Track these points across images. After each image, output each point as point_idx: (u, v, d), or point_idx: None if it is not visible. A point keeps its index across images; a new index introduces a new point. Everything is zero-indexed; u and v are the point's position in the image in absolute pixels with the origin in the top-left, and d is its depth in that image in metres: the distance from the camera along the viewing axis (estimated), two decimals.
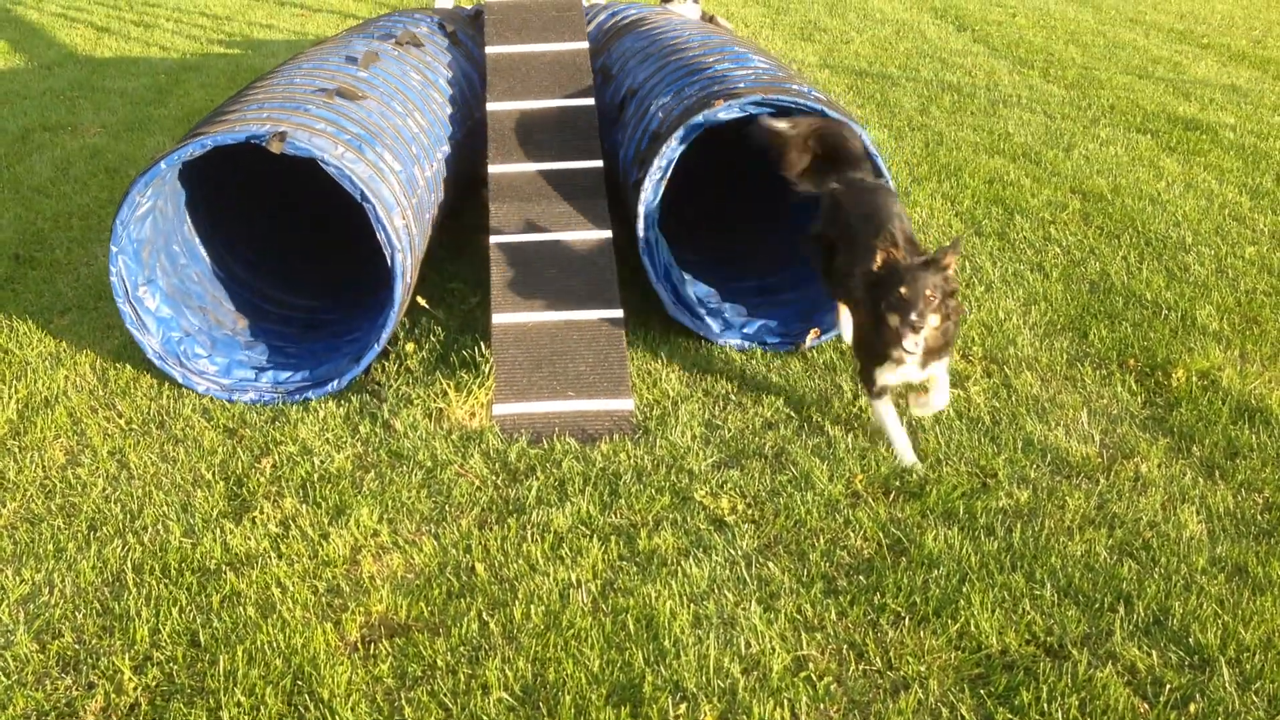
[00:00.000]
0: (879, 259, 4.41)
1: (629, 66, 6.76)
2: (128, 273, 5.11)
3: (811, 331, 5.61)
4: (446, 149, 6.15)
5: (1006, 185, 7.80)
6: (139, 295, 5.16)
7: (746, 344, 5.62)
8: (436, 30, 7.05)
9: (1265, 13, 14.47)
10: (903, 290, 4.30)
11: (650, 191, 5.50)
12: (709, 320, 5.67)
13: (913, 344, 4.33)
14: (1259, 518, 4.34)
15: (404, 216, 5.19)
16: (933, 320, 4.34)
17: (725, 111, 5.42)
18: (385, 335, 5.14)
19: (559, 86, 6.41)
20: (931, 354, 4.48)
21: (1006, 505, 4.39)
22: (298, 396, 5.18)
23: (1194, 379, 5.27)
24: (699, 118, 5.42)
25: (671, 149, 5.47)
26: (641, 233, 5.53)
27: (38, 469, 4.71)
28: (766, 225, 6.81)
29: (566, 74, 6.49)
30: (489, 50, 6.59)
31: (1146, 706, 3.45)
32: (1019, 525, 4.26)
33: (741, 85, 5.62)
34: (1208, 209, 7.41)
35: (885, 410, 4.71)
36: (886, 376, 4.61)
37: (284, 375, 5.29)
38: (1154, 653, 3.65)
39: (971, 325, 5.77)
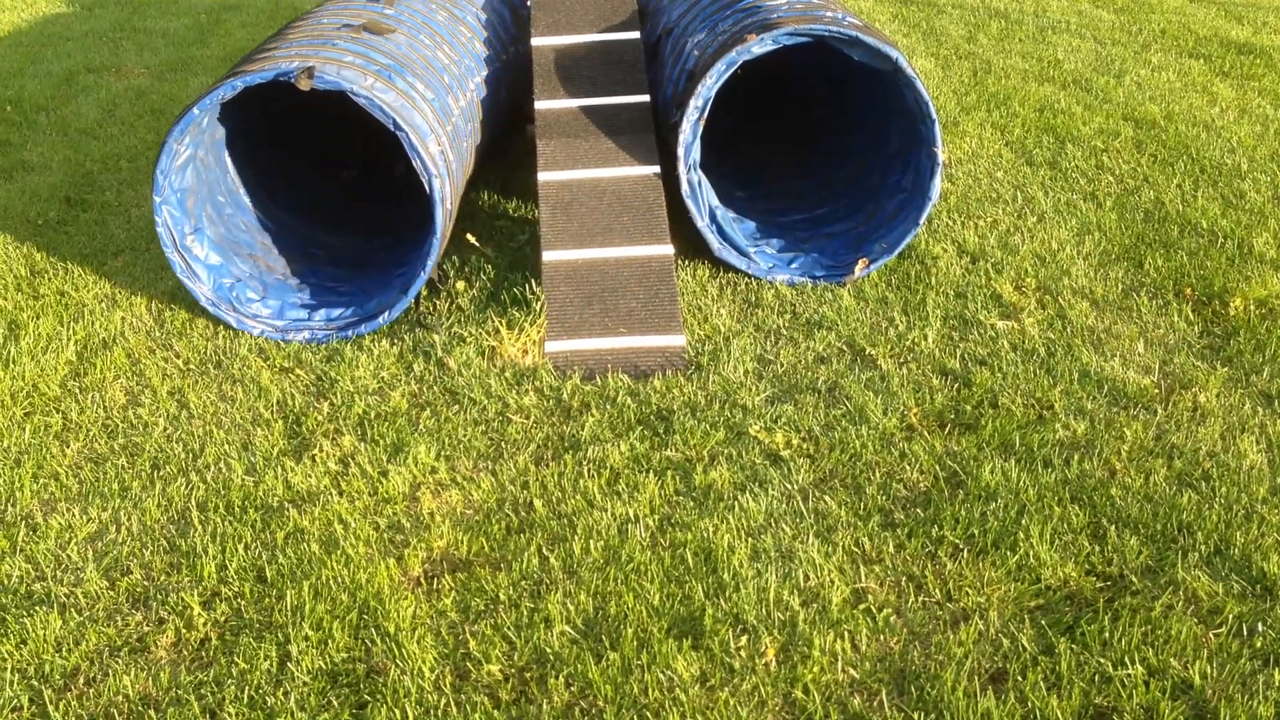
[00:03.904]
0: None
1: (664, 4, 6.69)
2: (173, 222, 5.14)
3: (860, 261, 5.58)
4: (478, 80, 6.12)
5: (1057, 113, 7.69)
6: (187, 244, 5.19)
7: (796, 278, 5.60)
8: None
9: None
10: None
11: (689, 133, 5.45)
12: (757, 258, 5.65)
13: None
14: None
15: (439, 143, 5.17)
16: None
17: (759, 45, 5.35)
18: (430, 263, 5.13)
19: (603, 19, 6.36)
20: None
21: (1064, 437, 4.37)
22: (350, 332, 5.21)
23: (1252, 307, 5.21)
24: (732, 54, 5.34)
25: (707, 88, 5.40)
26: (684, 175, 5.48)
27: (99, 409, 4.77)
28: (817, 156, 6.77)
29: (611, 7, 6.44)
30: None
31: (1210, 636, 3.45)
32: (1077, 457, 4.25)
33: (774, 16, 5.53)
34: (1263, 134, 7.28)
35: None
36: None
37: (336, 312, 5.32)
38: (1216, 583, 3.64)
39: (1024, 256, 5.72)
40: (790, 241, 5.90)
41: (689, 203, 5.51)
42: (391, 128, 4.95)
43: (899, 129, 5.79)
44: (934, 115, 5.39)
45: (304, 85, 4.85)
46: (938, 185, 5.47)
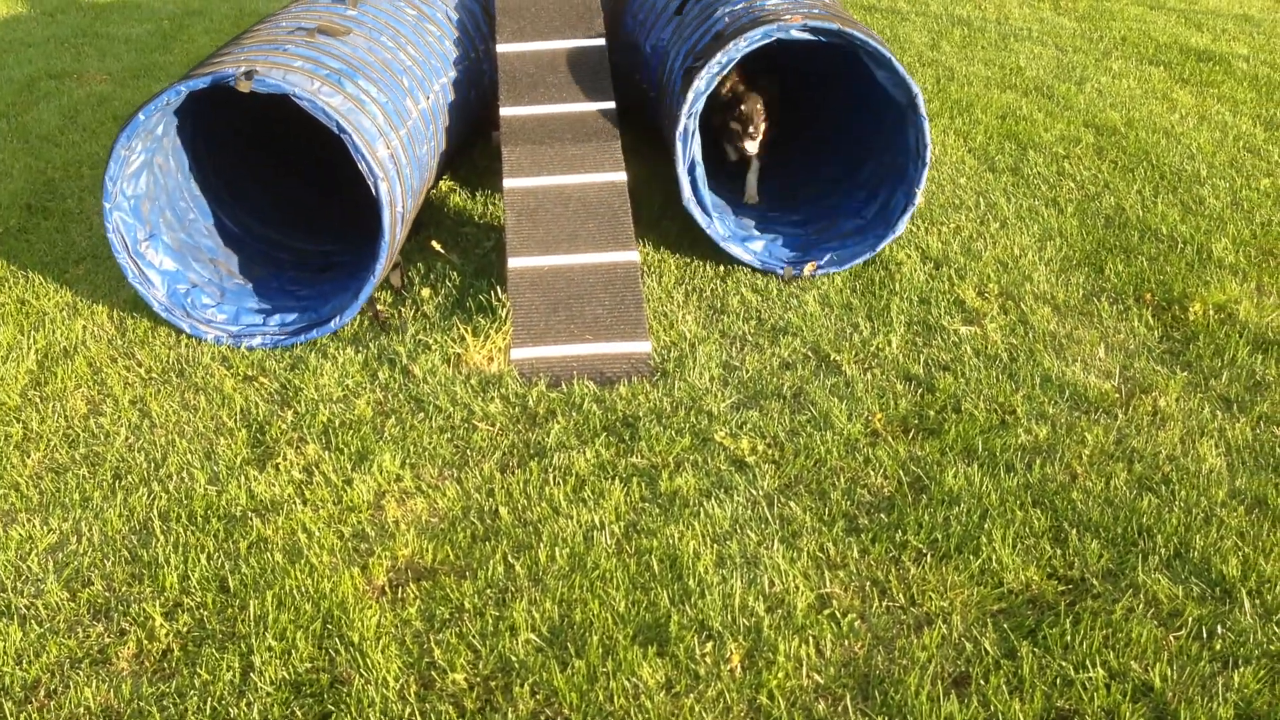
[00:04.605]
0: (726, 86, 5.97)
1: None
2: (125, 228, 5.11)
3: (809, 264, 5.66)
4: (445, 80, 6.11)
5: (1019, 120, 7.75)
6: (140, 250, 5.17)
7: (748, 256, 5.73)
8: None
9: None
10: (743, 108, 6.07)
11: (705, 81, 5.54)
12: (717, 222, 5.77)
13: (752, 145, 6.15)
14: (1278, 450, 4.35)
15: (388, 146, 5.15)
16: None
17: (798, 30, 5.45)
18: (379, 266, 5.10)
19: (569, 27, 6.36)
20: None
21: (1026, 441, 4.41)
22: (302, 337, 5.19)
23: (1211, 312, 5.26)
24: (772, 27, 5.44)
25: (738, 48, 5.47)
26: (683, 119, 5.56)
27: (60, 419, 4.73)
28: (778, 166, 6.83)
29: (576, 14, 6.43)
30: None
31: (1171, 638, 3.48)
32: (1039, 461, 4.28)
33: (817, 11, 5.65)
34: (1222, 141, 7.36)
35: None
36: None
37: (291, 317, 5.31)
38: (1176, 585, 3.68)
39: (987, 262, 5.76)
40: (752, 222, 6.02)
41: (678, 144, 5.59)
42: (336, 130, 4.93)
43: (878, 160, 5.87)
44: (929, 160, 5.50)
45: (243, 88, 4.85)
46: (905, 223, 5.63)
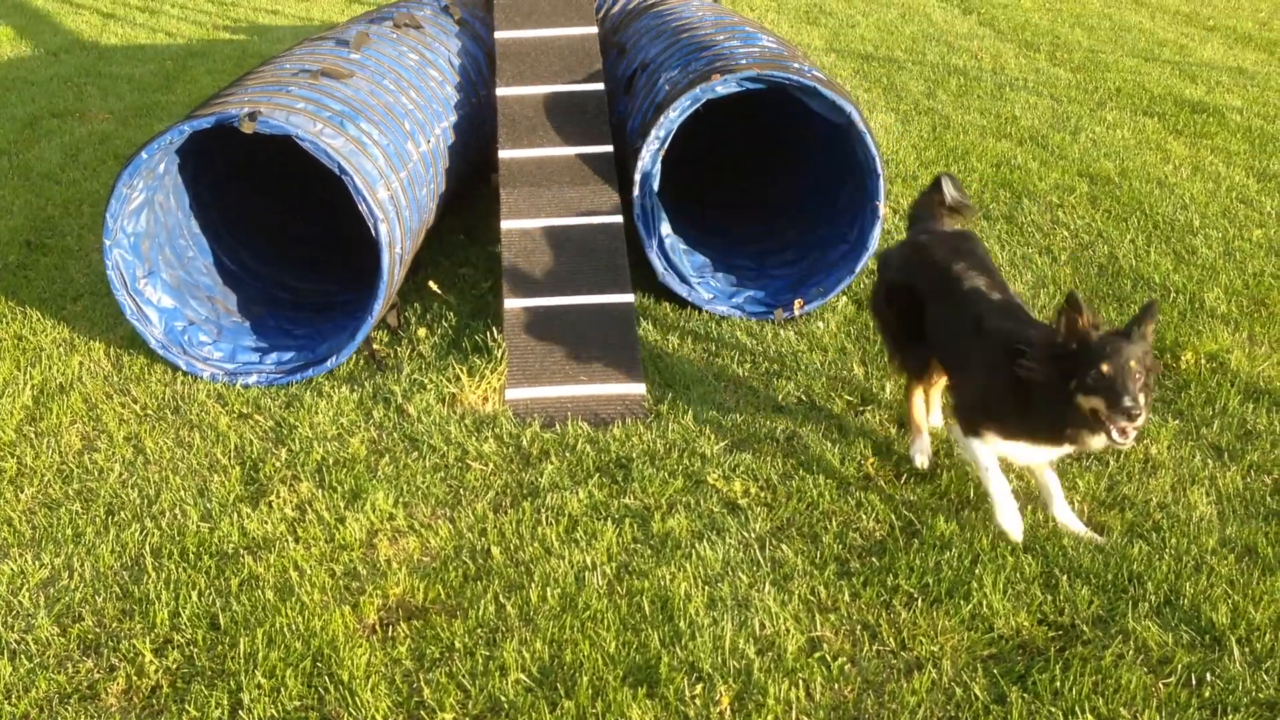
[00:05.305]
0: (1063, 325, 3.77)
1: (642, 43, 6.82)
2: (125, 265, 5.15)
3: (796, 302, 5.72)
4: (446, 124, 6.17)
5: (1014, 169, 7.81)
6: (139, 288, 5.21)
7: (734, 312, 5.77)
8: (440, 13, 7.06)
9: None
10: (1105, 368, 3.64)
11: (648, 160, 5.64)
12: (700, 289, 5.82)
13: (1133, 433, 3.65)
14: (1268, 499, 4.37)
15: (388, 188, 5.20)
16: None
17: (723, 85, 5.54)
18: (377, 306, 5.13)
19: (569, 71, 6.42)
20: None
21: (1017, 487, 4.41)
22: (299, 376, 5.22)
23: (1203, 361, 5.29)
24: (697, 91, 5.52)
25: (670, 120, 5.57)
26: (637, 199, 5.66)
27: (54, 454, 4.74)
28: (774, 201, 6.91)
29: (576, 59, 6.50)
30: (498, 35, 6.60)
31: (1160, 685, 3.48)
32: (1029, 507, 4.29)
33: (743, 61, 5.68)
34: (1215, 191, 7.42)
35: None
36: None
37: (287, 355, 5.34)
38: (1166, 633, 3.68)
39: None
40: (738, 279, 6.06)
41: (638, 224, 5.68)
42: (337, 172, 4.98)
43: (851, 183, 5.90)
44: (880, 170, 5.54)
45: (247, 129, 4.90)
46: (876, 237, 5.67)
